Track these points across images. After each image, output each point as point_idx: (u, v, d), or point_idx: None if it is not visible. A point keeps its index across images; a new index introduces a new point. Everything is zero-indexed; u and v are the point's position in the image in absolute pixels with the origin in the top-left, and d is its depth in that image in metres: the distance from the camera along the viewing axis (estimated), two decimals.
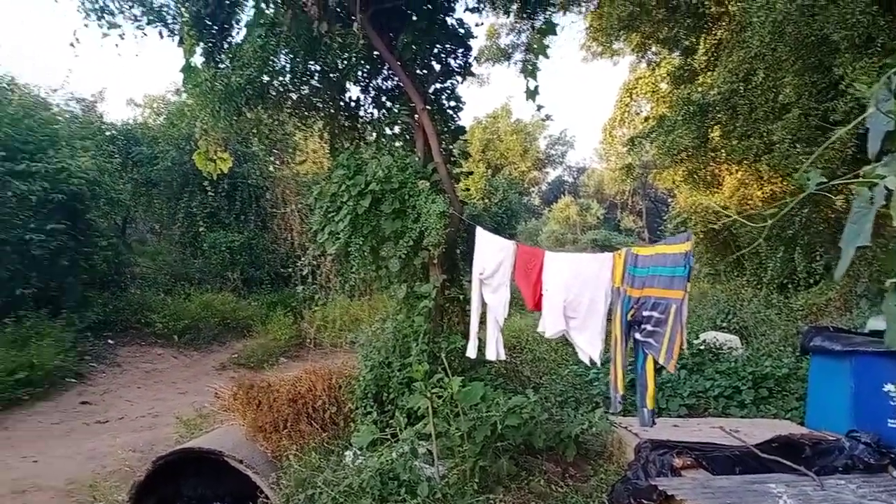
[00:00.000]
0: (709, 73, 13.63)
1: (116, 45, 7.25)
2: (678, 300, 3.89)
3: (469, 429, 5.19)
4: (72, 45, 7.05)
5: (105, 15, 7.10)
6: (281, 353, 14.59)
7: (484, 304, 5.73)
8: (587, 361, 4.78)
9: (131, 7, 7.26)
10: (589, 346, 4.62)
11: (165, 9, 7.42)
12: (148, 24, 7.38)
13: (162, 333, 14.99)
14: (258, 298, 17.48)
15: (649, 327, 4.13)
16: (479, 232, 5.84)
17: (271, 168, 20.82)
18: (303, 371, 6.84)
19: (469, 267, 6.19)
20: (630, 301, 4.27)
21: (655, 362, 4.17)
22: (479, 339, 5.84)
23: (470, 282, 7.40)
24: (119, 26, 7.22)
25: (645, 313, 4.16)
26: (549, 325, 4.96)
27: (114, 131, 20.06)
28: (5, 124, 13.77)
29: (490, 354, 5.61)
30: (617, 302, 4.40)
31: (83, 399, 11.75)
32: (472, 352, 5.86)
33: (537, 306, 5.10)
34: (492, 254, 5.54)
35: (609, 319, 4.53)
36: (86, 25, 7.05)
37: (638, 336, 4.26)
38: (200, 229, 18.77)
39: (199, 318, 15.47)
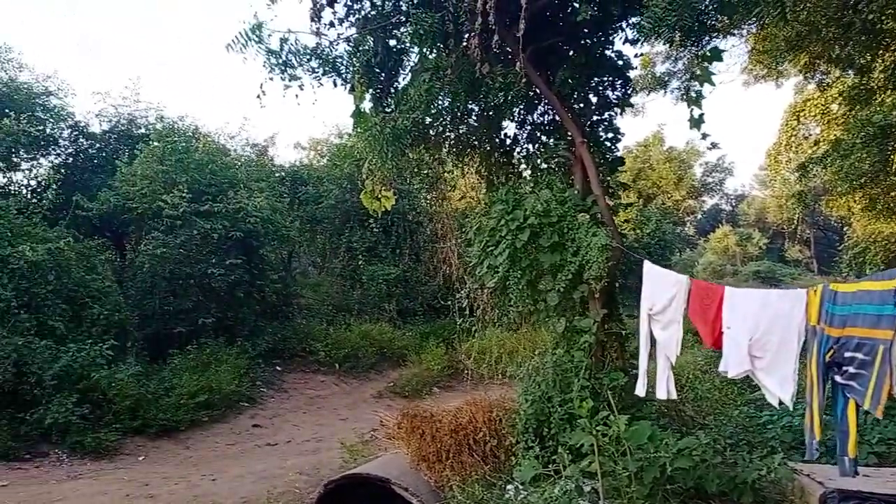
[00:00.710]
0: (889, 93, 12.56)
1: (296, 95, 7.89)
2: (887, 341, 3.57)
3: (637, 469, 5.03)
4: (258, 97, 7.75)
5: (287, 69, 7.77)
6: (434, 383, 14.91)
7: (652, 341, 5.56)
8: (775, 404, 4.48)
9: (309, 60, 7.89)
10: (779, 389, 4.33)
11: (339, 60, 7.98)
12: (323, 74, 7.98)
13: (324, 361, 15.82)
14: (412, 329, 18.03)
15: (852, 369, 3.81)
16: (648, 266, 5.70)
17: (424, 203, 21.57)
18: (463, 402, 6.95)
19: (629, 301, 6.04)
20: (829, 341, 3.97)
21: (858, 407, 3.84)
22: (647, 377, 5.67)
23: (629, 316, 7.22)
24: (299, 78, 7.87)
25: (847, 354, 3.85)
26: (732, 364, 4.71)
27: (282, 173, 21.71)
28: (192, 169, 15.34)
29: (660, 393, 5.41)
30: (812, 342, 4.10)
31: (255, 422, 12.60)
32: (640, 390, 5.69)
33: (716, 344, 4.87)
34: (662, 289, 5.38)
35: (803, 360, 4.23)
36: (270, 79, 7.74)
37: (838, 378, 3.94)
38: (360, 262, 19.76)
39: (358, 347, 16.19)
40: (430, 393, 14.16)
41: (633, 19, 7.77)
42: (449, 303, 17.90)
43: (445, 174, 15.05)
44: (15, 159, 17.27)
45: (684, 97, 7.24)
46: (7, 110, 15.76)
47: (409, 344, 16.78)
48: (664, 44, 9.46)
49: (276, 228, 16.33)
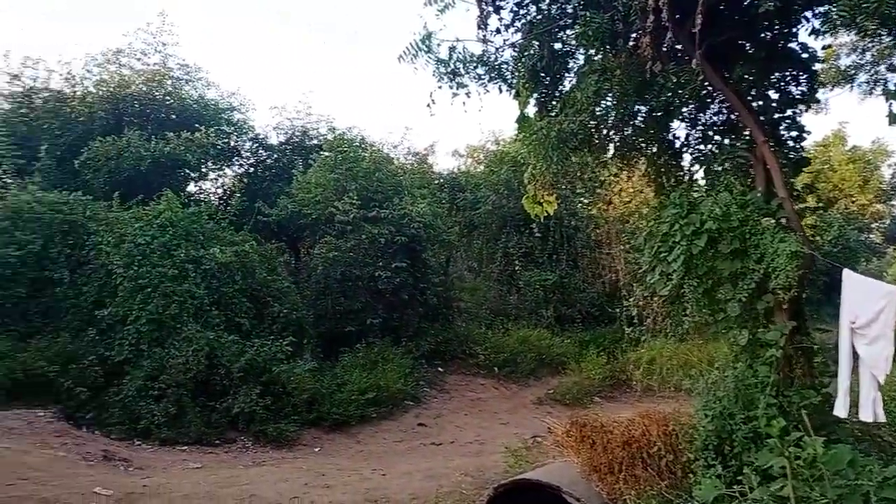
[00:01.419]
0: None
1: (463, 102, 8.06)
2: None
3: (836, 497, 4.61)
4: (428, 105, 8.00)
5: (455, 77, 7.95)
6: (595, 393, 14.61)
7: (854, 357, 5.08)
8: None
9: (475, 67, 8.02)
10: None
11: (505, 66, 8.05)
12: (490, 81, 8.09)
13: (483, 365, 16.00)
14: (571, 336, 17.78)
15: None
16: (848, 275, 5.22)
17: (583, 207, 21.26)
18: (635, 414, 6.73)
19: (814, 313, 5.55)
20: None
21: None
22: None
23: (819, 330, 6.64)
24: (466, 86, 8.03)
25: None
26: None
27: (441, 180, 22.26)
28: (360, 177, 16.13)
29: (865, 415, 4.94)
30: None
31: (420, 421, 12.98)
32: (841, 410, 5.22)
33: None
34: (868, 300, 4.90)
35: None
36: (439, 87, 7.96)
37: None
38: (516, 268, 19.80)
39: (517, 352, 16.22)
40: (591, 402, 13.88)
41: (820, 8, 7.18)
42: (611, 310, 17.52)
43: (609, 178, 14.76)
44: (204, 169, 19.10)
45: (874, 91, 6.57)
46: (197, 125, 17.41)
47: (568, 351, 16.55)
48: (857, 34, 8.67)
49: (437, 233, 16.76)
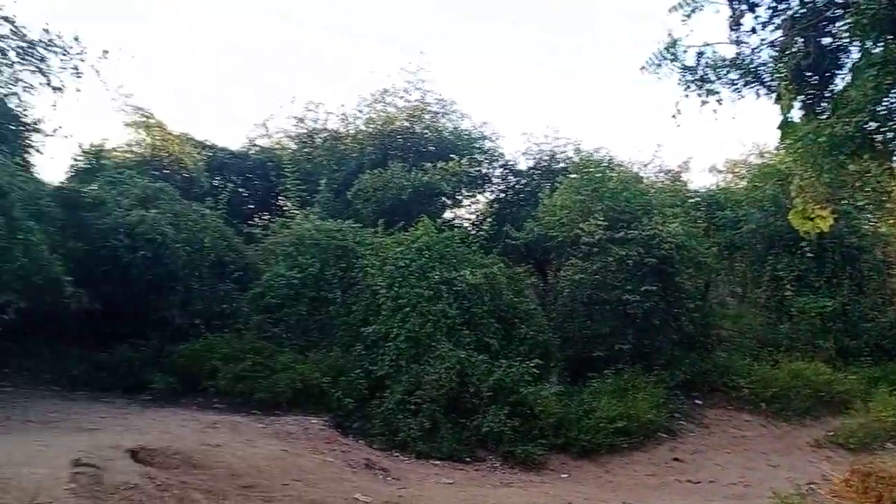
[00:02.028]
0: None
1: (714, 111, 7.48)
2: None
3: None
4: (673, 116, 7.55)
5: (704, 84, 7.42)
6: (888, 437, 12.47)
7: None
8: None
9: (727, 72, 7.42)
10: None
11: (762, 68, 7.33)
12: (744, 85, 7.42)
13: (748, 399, 14.54)
14: (857, 372, 15.45)
15: None
16: None
17: (864, 224, 18.54)
18: None
19: None
20: None
21: None
22: None
23: None
24: (717, 93, 7.46)
25: None
26: None
27: (697, 198, 20.91)
28: (606, 198, 15.78)
29: None
30: None
31: (675, 456, 12.15)
32: None
33: None
34: None
35: None
36: (686, 97, 7.49)
37: None
38: (787, 293, 17.78)
39: (789, 387, 14.48)
40: (882, 449, 11.84)
41: None
42: None
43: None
44: (459, 196, 20.17)
45: None
46: (452, 155, 18.44)
47: (853, 388, 14.35)
48: None
49: (692, 255, 15.72)
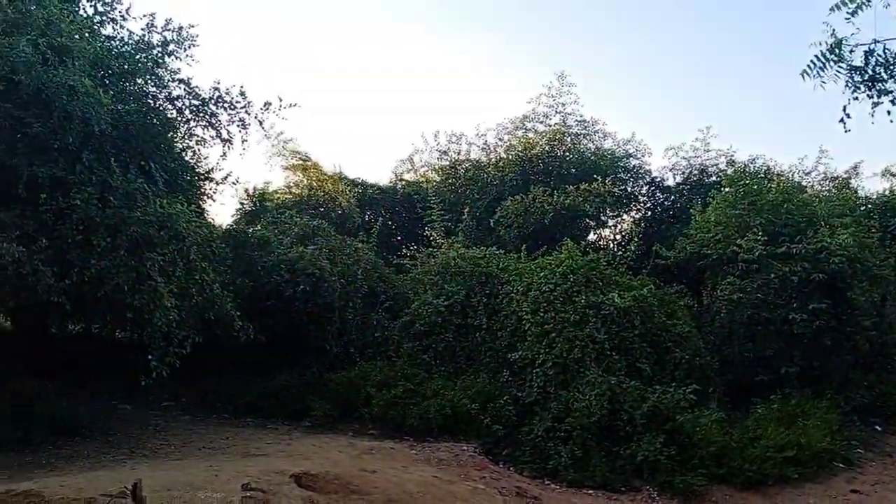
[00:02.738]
0: None
1: (888, 111, 6.84)
2: None
3: None
4: (841, 121, 6.98)
5: (875, 84, 6.82)
6: None
7: None
8: None
9: None
10: None
11: None
12: None
13: None
14: None
15: None
16: None
17: None
18: None
19: None
20: None
21: None
22: None
23: None
24: (890, 92, 6.83)
25: None
26: None
27: (870, 205, 19.11)
28: (765, 211, 14.82)
29: None
30: None
31: (853, 487, 11.08)
32: None
33: None
34: None
35: None
36: (855, 99, 6.91)
37: None
38: None
39: None
40: None
41: None
42: None
43: None
44: (603, 217, 19.78)
45: None
46: (595, 175, 18.14)
47: None
48: None
49: (866, 268, 14.34)
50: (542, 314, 12.83)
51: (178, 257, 10.22)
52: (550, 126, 20.57)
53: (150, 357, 9.66)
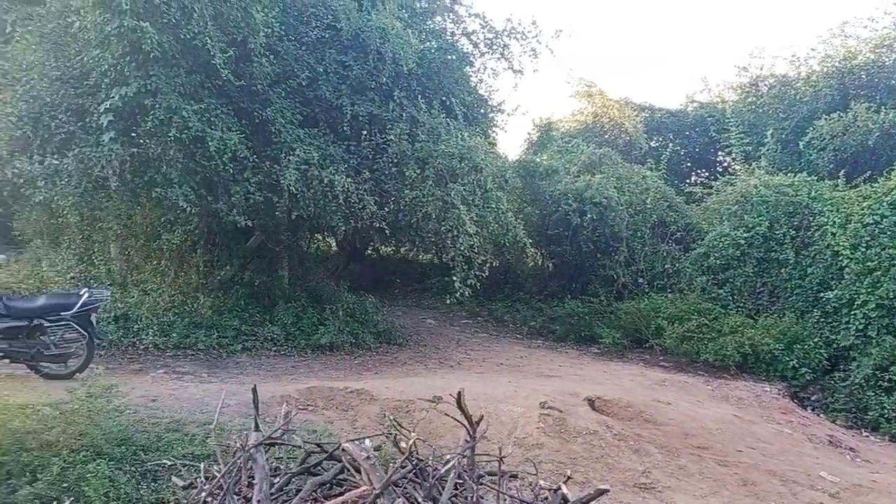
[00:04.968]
0: None
1: None
2: None
3: None
4: None
5: None
6: None
7: None
8: None
9: None
10: None
11: None
12: None
13: None
14: None
15: None
16: None
17: None
18: None
19: None
20: None
21: None
22: None
23: None
24: None
25: None
26: None
27: None
28: None
29: None
30: None
31: None
32: None
33: None
34: None
35: None
36: None
37: None
38: None
39: None
40: None
41: None
42: None
43: None
44: None
45: None
46: None
47: None
48: None
49: None
50: (864, 250, 11.28)
51: (476, 187, 10.79)
52: (877, 31, 17.48)
53: (453, 278, 10.46)
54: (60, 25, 9.06)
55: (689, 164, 20.93)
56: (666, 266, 14.04)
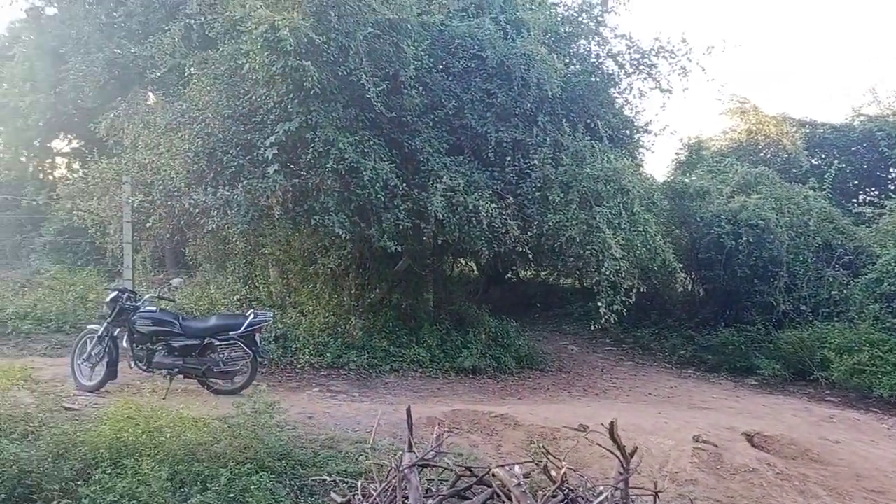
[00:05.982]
0: None
1: None
2: None
3: None
4: None
5: None
6: None
7: None
8: None
9: None
10: None
11: None
12: None
13: None
14: None
15: None
16: None
17: None
18: None
19: None
20: None
21: None
22: None
23: None
24: None
25: None
26: None
27: None
28: None
29: None
30: None
31: None
32: None
33: None
34: None
35: None
36: None
37: None
38: None
39: None
40: None
41: None
42: None
43: None
44: None
45: None
46: None
47: None
48: None
49: None
50: None
51: (623, 210, 10.56)
52: None
53: (598, 304, 10.26)
54: (231, 67, 9.87)
55: (856, 183, 19.36)
56: (832, 293, 13.00)
